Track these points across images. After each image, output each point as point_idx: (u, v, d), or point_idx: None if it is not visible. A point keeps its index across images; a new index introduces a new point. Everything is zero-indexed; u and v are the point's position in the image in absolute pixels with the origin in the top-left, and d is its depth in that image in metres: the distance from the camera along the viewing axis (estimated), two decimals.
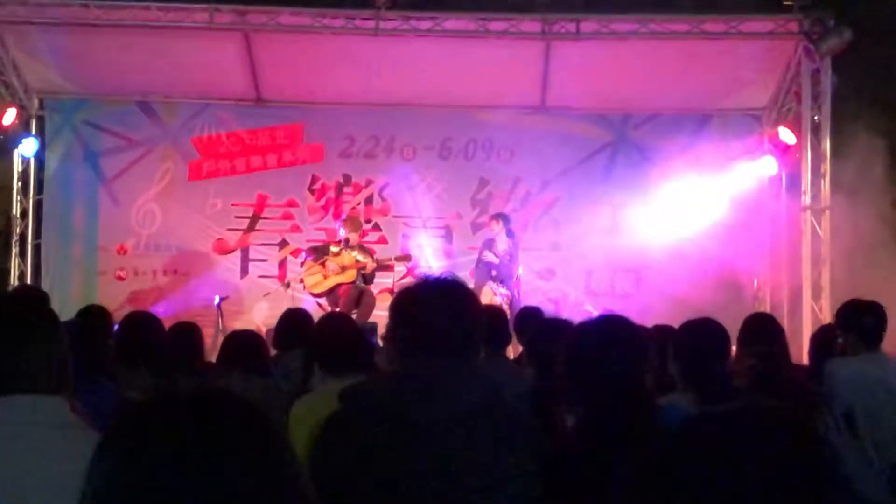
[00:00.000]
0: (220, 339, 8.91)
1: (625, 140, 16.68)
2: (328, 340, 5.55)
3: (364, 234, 15.61)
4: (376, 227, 16.25)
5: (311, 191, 16.76)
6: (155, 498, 1.55)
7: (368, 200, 16.74)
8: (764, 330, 5.97)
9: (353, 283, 14.64)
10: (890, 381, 6.82)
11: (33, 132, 16.33)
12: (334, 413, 3.42)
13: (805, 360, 9.21)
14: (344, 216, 15.79)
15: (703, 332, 5.15)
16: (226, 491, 1.54)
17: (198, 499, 1.54)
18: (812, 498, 1.52)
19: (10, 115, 15.27)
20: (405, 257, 16.33)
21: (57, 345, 3.15)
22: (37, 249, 16.57)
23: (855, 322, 7.09)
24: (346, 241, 14.95)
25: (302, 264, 15.87)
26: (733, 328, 5.58)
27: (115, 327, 7.15)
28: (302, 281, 15.67)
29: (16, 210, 16.69)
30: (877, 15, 16.53)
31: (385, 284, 15.18)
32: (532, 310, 9.24)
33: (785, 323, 13.31)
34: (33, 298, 8.29)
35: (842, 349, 7.10)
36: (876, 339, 6.88)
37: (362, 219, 15.92)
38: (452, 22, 15.15)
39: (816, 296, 14.46)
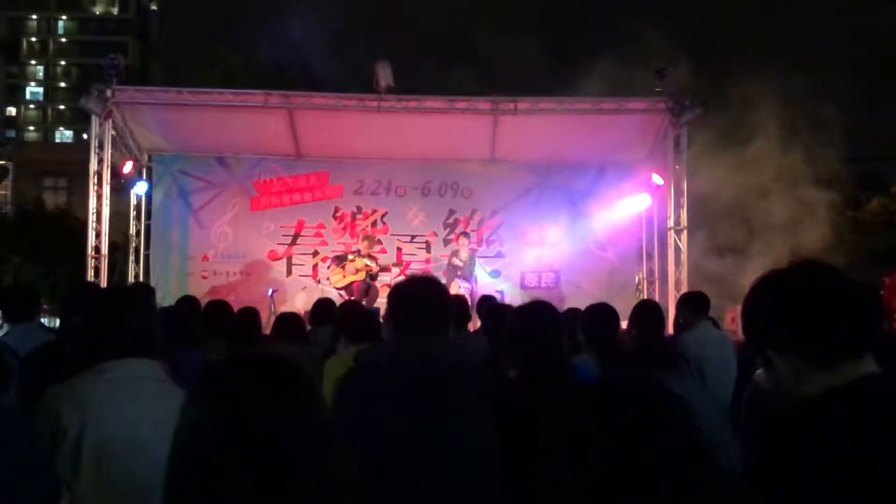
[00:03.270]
0: (273, 319, 8.86)
1: (547, 182, 16.68)
2: (349, 319, 5.56)
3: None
4: (379, 242, 16.21)
5: (335, 217, 16.73)
6: (227, 429, 1.54)
7: (374, 224, 16.72)
8: (646, 311, 5.98)
9: (364, 280, 14.68)
10: (722, 339, 7.24)
11: (144, 177, 16.30)
12: (350, 369, 3.42)
13: (671, 330, 9.27)
14: (362, 235, 15.81)
15: (601, 312, 5.18)
16: (274, 423, 1.54)
17: (256, 429, 1.53)
18: (675, 439, 1.54)
19: (129, 166, 15.29)
20: (399, 263, 16.44)
21: (150, 322, 3.14)
22: (146, 258, 16.52)
23: (686, 303, 7.53)
24: (359, 251, 15.08)
25: (328, 267, 15.94)
26: (622, 309, 5.56)
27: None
28: (328, 279, 15.71)
29: (132, 231, 16.69)
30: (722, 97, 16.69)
31: (385, 281, 15.13)
32: (488, 297, 9.29)
33: None
34: (140, 290, 8.24)
35: (683, 322, 7.37)
36: (702, 313, 7.19)
37: (371, 235, 15.95)
38: (430, 102, 15.27)
39: (678, 288, 14.55)
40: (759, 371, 3.53)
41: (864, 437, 1.78)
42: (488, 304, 8.02)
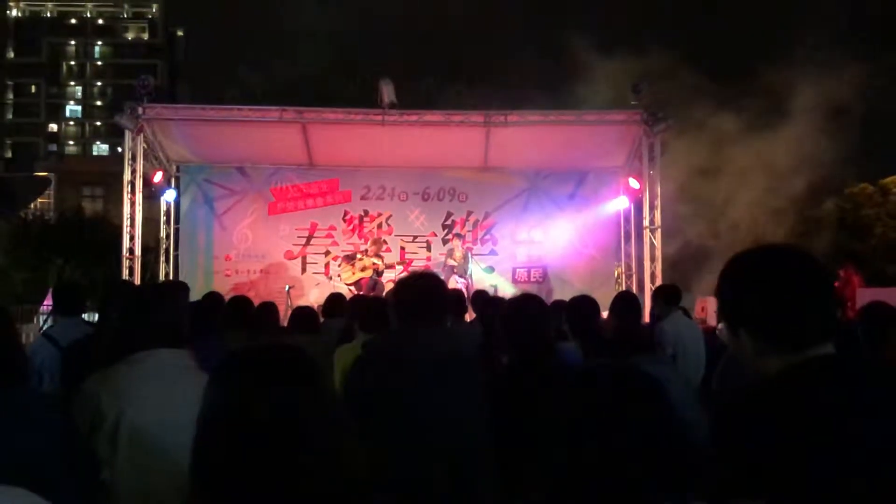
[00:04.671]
0: (289, 312, 8.86)
1: (536, 187, 16.70)
2: (362, 311, 5.55)
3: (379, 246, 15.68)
4: (384, 243, 16.23)
5: (344, 220, 16.72)
6: (244, 410, 1.55)
7: (379, 226, 16.71)
8: (624, 301, 5.97)
9: (371, 277, 14.70)
10: (693, 327, 7.31)
11: (172, 186, 16.31)
12: (358, 356, 3.43)
13: (647, 319, 9.29)
14: (371, 239, 15.89)
15: (583, 303, 5.15)
16: (285, 405, 1.55)
17: (270, 411, 1.54)
18: (652, 418, 1.55)
19: (159, 176, 15.35)
20: (402, 261, 16.44)
21: (178, 314, 3.15)
22: (176, 259, 16.56)
23: (660, 295, 7.54)
24: (366, 251, 15.14)
25: (339, 265, 16.01)
26: (603, 300, 5.54)
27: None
28: (339, 275, 15.78)
29: (162, 234, 16.69)
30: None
31: (390, 278, 15.14)
32: (482, 291, 9.30)
33: None
34: (173, 286, 8.22)
35: (658, 312, 7.39)
36: (675, 303, 7.19)
37: (378, 238, 16.00)
38: (429, 116, 15.32)
39: (653, 280, 14.57)
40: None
41: (819, 414, 1.77)
42: (482, 298, 8.04)
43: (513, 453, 2.62)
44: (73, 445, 2.46)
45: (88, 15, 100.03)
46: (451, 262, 14.93)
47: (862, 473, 1.71)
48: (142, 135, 14.86)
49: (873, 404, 1.81)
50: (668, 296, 7.43)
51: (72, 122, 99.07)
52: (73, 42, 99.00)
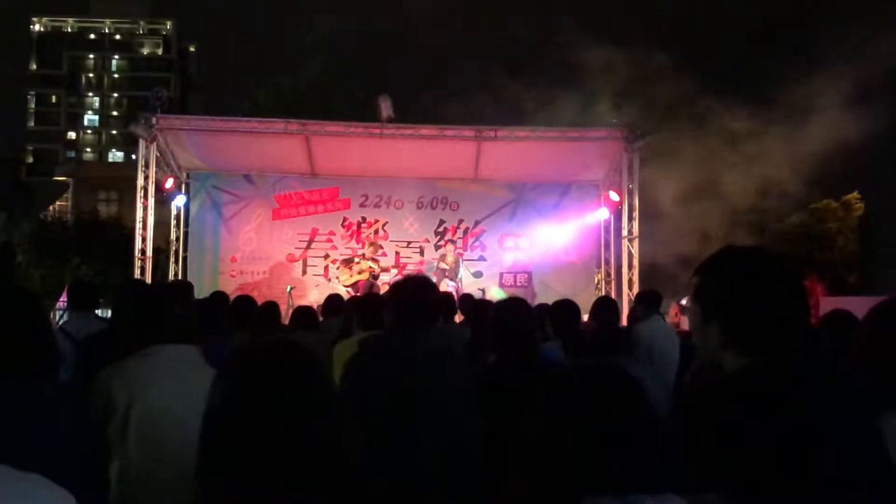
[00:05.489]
0: (291, 311, 8.84)
1: (522, 198, 16.72)
2: (361, 308, 5.52)
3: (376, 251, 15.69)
4: (380, 247, 16.23)
5: (343, 226, 16.70)
6: (250, 401, 1.56)
7: (376, 232, 16.69)
8: (604, 306, 5.98)
9: (367, 279, 14.69)
10: (667, 330, 7.27)
11: (183, 192, 16.27)
12: (355, 353, 3.42)
13: (625, 322, 9.30)
14: (367, 242, 15.89)
15: (565, 307, 5.15)
16: (289, 396, 1.56)
17: (274, 401, 1.55)
18: (633, 416, 1.55)
19: (170, 182, 15.29)
20: (397, 265, 16.43)
21: (188, 313, 3.14)
22: (184, 260, 16.51)
23: (641, 299, 7.51)
24: (364, 255, 15.11)
25: (337, 268, 15.99)
26: (584, 305, 5.55)
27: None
28: (337, 278, 15.77)
29: (172, 237, 16.65)
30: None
31: (385, 280, 15.13)
32: (468, 295, 9.30)
33: None
34: (180, 286, 8.19)
35: (636, 314, 7.40)
36: (653, 307, 7.22)
37: (375, 241, 16.00)
38: (424, 130, 15.27)
39: (630, 286, 14.60)
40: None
41: (776, 412, 1.75)
42: (470, 301, 8.05)
43: (499, 447, 2.61)
44: (87, 436, 2.44)
45: (107, 31, 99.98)
46: (443, 265, 14.95)
47: (814, 468, 1.70)
48: (155, 143, 14.84)
49: (829, 403, 1.80)
50: (648, 301, 7.44)
51: (89, 131, 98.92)
52: (91, 56, 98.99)
